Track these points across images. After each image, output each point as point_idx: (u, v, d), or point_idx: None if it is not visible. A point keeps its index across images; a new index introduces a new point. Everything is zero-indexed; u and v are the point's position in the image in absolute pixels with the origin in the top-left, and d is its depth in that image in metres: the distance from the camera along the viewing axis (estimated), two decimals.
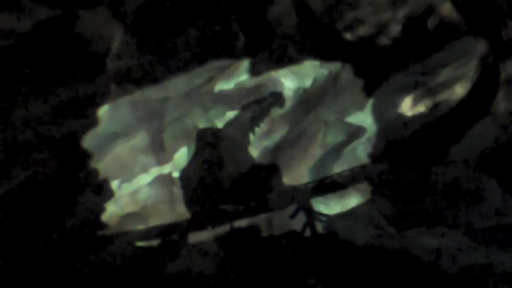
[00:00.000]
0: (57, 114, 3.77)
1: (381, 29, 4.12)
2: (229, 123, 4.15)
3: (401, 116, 4.15)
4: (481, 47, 4.09)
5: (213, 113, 4.14)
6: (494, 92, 4.05)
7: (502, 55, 4.03)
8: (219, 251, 3.98)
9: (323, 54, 4.19)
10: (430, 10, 4.09)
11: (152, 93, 4.02)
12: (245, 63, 4.12)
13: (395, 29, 4.11)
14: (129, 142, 3.99)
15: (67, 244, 3.82)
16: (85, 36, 3.76)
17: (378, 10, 4.08)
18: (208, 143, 4.14)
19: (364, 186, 4.14)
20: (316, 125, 4.28)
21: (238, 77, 4.13)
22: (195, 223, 4.07)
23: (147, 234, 4.01)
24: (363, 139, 4.25)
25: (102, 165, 3.93)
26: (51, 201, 3.80)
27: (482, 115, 4.06)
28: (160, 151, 4.06)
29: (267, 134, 4.19)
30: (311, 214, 4.06)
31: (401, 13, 4.09)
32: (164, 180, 4.06)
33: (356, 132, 4.25)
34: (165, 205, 4.06)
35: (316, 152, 4.27)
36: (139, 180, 4.02)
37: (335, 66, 4.22)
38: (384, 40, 4.13)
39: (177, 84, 4.07)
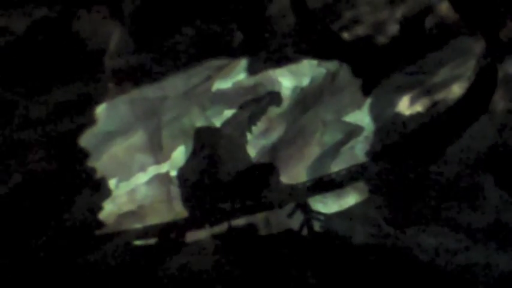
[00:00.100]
0: (54, 113, 3.78)
1: (379, 28, 4.12)
2: (227, 122, 4.15)
3: (399, 115, 4.15)
4: (479, 46, 4.10)
5: (211, 112, 4.14)
6: (492, 92, 4.05)
7: (500, 55, 4.04)
8: (217, 250, 3.98)
9: (321, 54, 4.19)
10: (428, 9, 4.10)
11: (150, 92, 4.02)
12: (243, 63, 4.13)
13: (393, 29, 4.11)
14: (126, 141, 3.99)
15: (64, 243, 3.82)
16: (82, 34, 3.77)
17: (375, 9, 4.09)
18: (206, 142, 4.14)
19: (362, 185, 4.14)
20: (314, 124, 4.28)
21: (235, 76, 4.13)
22: (193, 222, 4.07)
23: (144, 233, 4.00)
24: (360, 138, 4.25)
25: (100, 164, 3.93)
26: (49, 200, 3.80)
27: (480, 114, 4.06)
28: (158, 150, 4.06)
29: (265, 133, 4.19)
30: (309, 213, 4.06)
31: (399, 12, 4.10)
32: (162, 179, 4.06)
33: (354, 131, 4.25)
34: (162, 204, 4.06)
35: (313, 151, 4.27)
36: (136, 179, 4.02)
37: (333, 65, 4.22)
38: (381, 39, 4.14)
39: (175, 83, 4.07)
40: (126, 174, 3.99)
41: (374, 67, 4.21)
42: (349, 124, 4.27)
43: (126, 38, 3.88)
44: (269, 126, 4.21)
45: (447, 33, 4.11)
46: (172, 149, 4.08)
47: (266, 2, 4.12)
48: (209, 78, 4.12)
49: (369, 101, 4.29)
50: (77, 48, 3.78)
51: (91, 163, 3.91)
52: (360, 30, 4.14)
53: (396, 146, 4.16)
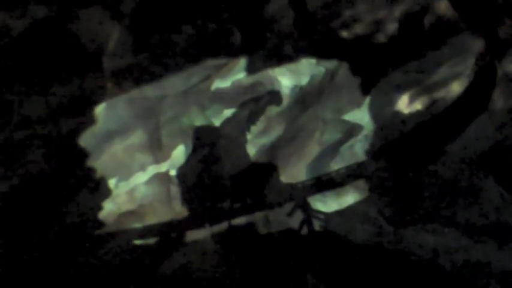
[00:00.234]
0: (54, 113, 3.77)
1: (378, 26, 4.12)
2: (226, 122, 4.15)
3: (398, 114, 4.15)
4: (477, 44, 4.09)
5: (210, 111, 4.14)
6: (491, 90, 4.05)
7: (498, 53, 4.04)
8: (217, 249, 3.98)
9: (320, 52, 4.19)
10: (427, 8, 4.10)
11: (149, 91, 4.02)
12: (242, 62, 4.13)
13: (392, 27, 4.11)
14: (126, 140, 3.99)
15: (65, 242, 3.82)
16: (81, 34, 3.77)
17: (374, 8, 4.09)
18: (205, 141, 4.14)
19: (362, 183, 4.14)
20: (313, 122, 4.28)
21: (235, 75, 4.13)
22: (193, 221, 4.07)
23: (144, 233, 4.01)
24: (360, 137, 4.25)
25: (99, 163, 3.93)
26: (49, 199, 3.80)
27: (479, 113, 4.06)
28: (157, 149, 4.06)
29: (264, 132, 4.19)
30: (308, 212, 4.07)
31: (398, 11, 4.09)
32: (161, 178, 4.07)
33: (353, 129, 4.25)
34: (162, 203, 4.06)
35: (313, 149, 4.27)
36: (136, 179, 4.02)
37: (332, 64, 4.22)
38: (380, 38, 4.14)
39: (174, 83, 4.07)
40: (125, 174, 4.00)
41: (373, 66, 4.21)
42: (348, 123, 4.27)
43: (125, 37, 3.88)
44: (268, 125, 4.21)
45: (446, 32, 4.11)
46: (172, 148, 4.08)
47: (265, 2, 4.12)
48: (208, 78, 4.12)
49: (368, 99, 4.29)
50: (76, 48, 3.78)
51: (91, 163, 3.91)
52: (359, 29, 4.14)
53: (396, 144, 4.16)
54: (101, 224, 3.94)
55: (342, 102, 4.28)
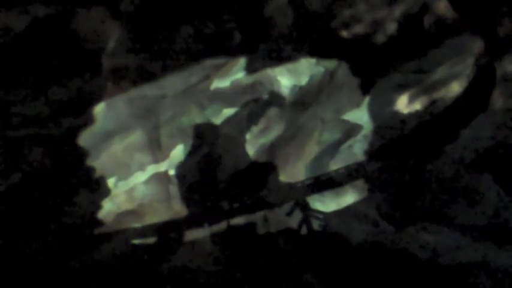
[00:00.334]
0: (54, 112, 3.77)
1: (377, 26, 4.12)
2: (226, 121, 4.15)
3: (397, 114, 4.15)
4: (477, 44, 4.09)
5: (210, 111, 4.14)
6: (490, 90, 4.05)
7: (498, 53, 4.04)
8: (216, 249, 3.99)
9: (319, 52, 4.19)
10: (426, 8, 4.10)
11: (148, 91, 4.02)
12: (241, 61, 4.13)
13: (391, 27, 4.11)
14: (125, 140, 3.99)
15: (64, 242, 3.82)
16: (81, 34, 3.77)
17: (374, 8, 4.08)
18: (204, 141, 4.14)
19: (361, 183, 4.14)
20: (313, 122, 4.28)
21: (234, 74, 4.13)
22: (192, 220, 4.08)
23: (143, 232, 4.01)
24: (359, 136, 4.25)
25: (99, 163, 3.94)
26: (48, 199, 3.80)
27: (479, 113, 4.06)
28: (156, 149, 4.06)
29: (264, 131, 4.19)
30: (307, 211, 4.07)
31: (398, 11, 4.09)
32: (160, 178, 4.07)
33: (352, 129, 4.25)
34: (161, 203, 4.06)
35: (312, 149, 4.27)
36: (135, 178, 4.03)
37: (331, 63, 4.22)
38: (380, 38, 4.14)
39: (174, 82, 4.07)
40: (124, 173, 4.00)
41: (372, 66, 4.21)
42: (347, 123, 4.27)
43: (124, 37, 3.88)
44: (268, 125, 4.21)
45: (445, 32, 4.10)
46: (171, 148, 4.08)
47: (264, 1, 4.12)
48: (208, 77, 4.12)
49: (367, 99, 4.29)
50: (75, 48, 3.78)
51: (90, 162, 3.91)
52: (359, 29, 4.14)
53: (395, 144, 4.16)
54: (100, 223, 3.94)
55: (341, 102, 4.28)
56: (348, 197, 4.12)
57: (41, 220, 3.77)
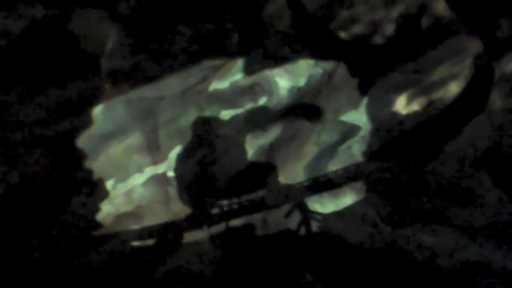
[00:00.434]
0: (51, 114, 3.77)
1: (375, 27, 4.12)
2: (225, 123, 4.15)
3: (396, 114, 4.15)
4: (475, 45, 4.09)
5: (208, 112, 4.13)
6: (489, 90, 4.05)
7: (496, 53, 4.03)
8: (215, 250, 3.98)
9: (317, 53, 4.19)
10: (424, 9, 4.10)
11: (146, 92, 4.02)
12: (239, 63, 4.12)
13: (389, 28, 4.11)
14: (123, 142, 3.99)
15: (62, 244, 3.81)
16: (79, 35, 3.76)
17: (372, 9, 4.08)
18: (203, 143, 4.14)
19: (359, 184, 4.14)
20: (311, 123, 4.28)
21: (232, 76, 4.13)
22: (191, 222, 4.07)
23: (142, 234, 4.00)
24: (357, 138, 4.25)
25: (97, 165, 3.93)
26: (46, 201, 3.79)
27: (477, 113, 4.06)
28: (155, 150, 4.06)
29: (262, 133, 4.19)
30: (306, 213, 4.06)
31: (396, 12, 4.09)
32: (159, 179, 4.06)
33: (351, 130, 4.26)
34: (160, 204, 4.06)
35: (311, 150, 4.27)
36: (134, 180, 4.02)
37: (329, 65, 4.22)
38: (378, 39, 4.14)
39: (172, 84, 4.07)
40: (123, 175, 3.99)
41: (371, 66, 4.22)
42: (346, 124, 4.27)
43: (122, 38, 3.88)
44: (266, 126, 4.21)
45: (444, 32, 4.10)
46: (170, 149, 4.07)
47: (262, 2, 4.12)
48: (206, 79, 4.12)
49: (365, 100, 4.29)
50: (73, 49, 3.78)
51: (88, 164, 3.91)
52: (357, 30, 4.13)
53: (393, 145, 4.16)
54: (98, 225, 3.93)
55: (339, 103, 4.28)
56: (347, 198, 4.12)
57: (39, 222, 3.76)
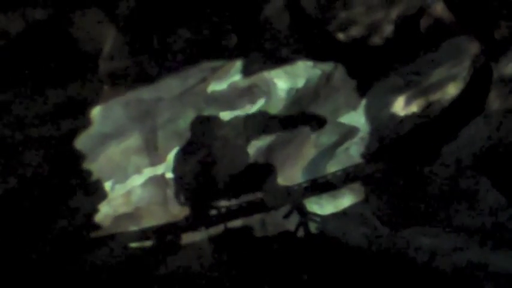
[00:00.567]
0: (49, 116, 3.77)
1: (374, 29, 4.12)
2: (223, 124, 4.15)
3: (394, 116, 4.14)
4: (473, 46, 4.09)
5: (206, 113, 4.14)
6: (487, 92, 4.04)
7: (494, 55, 4.04)
8: (213, 251, 3.98)
9: (316, 55, 4.19)
10: (423, 10, 4.11)
11: (145, 94, 4.02)
12: (238, 64, 4.13)
13: (388, 29, 4.11)
14: (122, 143, 3.99)
15: (60, 246, 3.81)
16: (77, 37, 3.77)
17: (370, 10, 4.09)
18: (201, 144, 4.14)
19: (358, 186, 4.13)
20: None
21: (231, 77, 4.13)
22: (189, 224, 4.07)
23: (140, 235, 4.00)
24: (356, 139, 4.25)
25: (95, 166, 3.94)
26: (44, 202, 3.79)
27: (476, 115, 4.06)
28: (153, 152, 4.06)
29: (260, 134, 4.19)
30: (304, 214, 4.06)
31: (394, 13, 4.10)
32: (157, 181, 4.07)
33: (349, 132, 4.25)
34: (158, 206, 4.06)
35: (309, 152, 4.27)
36: (132, 181, 4.02)
37: (328, 66, 4.22)
38: (376, 40, 4.14)
39: (170, 85, 4.07)
40: (121, 177, 3.99)
41: (369, 68, 4.21)
42: (344, 125, 4.27)
43: (121, 40, 3.88)
44: (265, 127, 4.21)
45: (442, 34, 4.11)
46: (168, 150, 4.08)
47: (261, 4, 4.12)
48: (204, 80, 4.12)
49: (364, 101, 4.29)
50: (71, 51, 3.78)
51: (86, 165, 3.91)
52: (355, 32, 4.14)
53: (392, 146, 4.15)
54: (97, 226, 3.93)
55: (337, 105, 4.28)
56: (345, 200, 4.11)
57: (37, 224, 3.76)
